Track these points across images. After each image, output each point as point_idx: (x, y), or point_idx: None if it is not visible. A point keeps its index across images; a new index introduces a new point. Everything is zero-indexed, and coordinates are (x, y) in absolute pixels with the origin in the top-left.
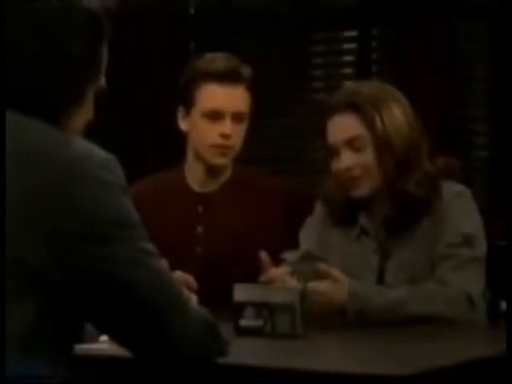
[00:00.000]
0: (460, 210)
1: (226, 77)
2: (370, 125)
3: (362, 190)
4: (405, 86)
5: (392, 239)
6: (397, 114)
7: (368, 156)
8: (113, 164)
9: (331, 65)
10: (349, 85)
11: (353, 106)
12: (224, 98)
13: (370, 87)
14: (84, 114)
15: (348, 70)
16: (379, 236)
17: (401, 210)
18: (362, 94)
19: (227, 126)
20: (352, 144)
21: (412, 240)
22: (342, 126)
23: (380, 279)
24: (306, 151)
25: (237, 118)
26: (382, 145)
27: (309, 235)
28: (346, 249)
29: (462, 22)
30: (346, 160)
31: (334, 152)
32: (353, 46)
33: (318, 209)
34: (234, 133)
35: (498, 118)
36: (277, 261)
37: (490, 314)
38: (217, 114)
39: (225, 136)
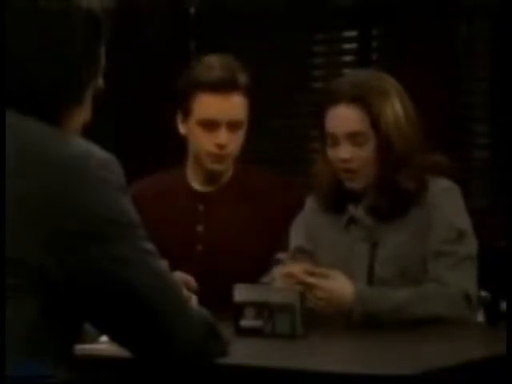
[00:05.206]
0: (451, 204)
1: (221, 86)
2: (374, 121)
3: (357, 183)
4: (405, 86)
5: (380, 227)
6: (398, 108)
7: (368, 151)
8: (113, 164)
9: (331, 65)
10: (352, 75)
11: (359, 99)
12: (218, 107)
13: (374, 78)
14: (82, 114)
15: (348, 70)
16: (367, 224)
17: (388, 199)
18: (367, 86)
19: (222, 136)
20: (354, 138)
21: (400, 229)
22: (346, 119)
23: (371, 269)
24: (307, 151)
25: (232, 126)
26: (384, 141)
27: (298, 231)
28: (337, 241)
29: (462, 22)
30: (346, 152)
31: (332, 141)
32: (353, 46)
33: (308, 204)
34: (230, 141)
35: (498, 118)
36: (274, 260)
37: (490, 315)
38: (212, 123)
39: (220, 146)
